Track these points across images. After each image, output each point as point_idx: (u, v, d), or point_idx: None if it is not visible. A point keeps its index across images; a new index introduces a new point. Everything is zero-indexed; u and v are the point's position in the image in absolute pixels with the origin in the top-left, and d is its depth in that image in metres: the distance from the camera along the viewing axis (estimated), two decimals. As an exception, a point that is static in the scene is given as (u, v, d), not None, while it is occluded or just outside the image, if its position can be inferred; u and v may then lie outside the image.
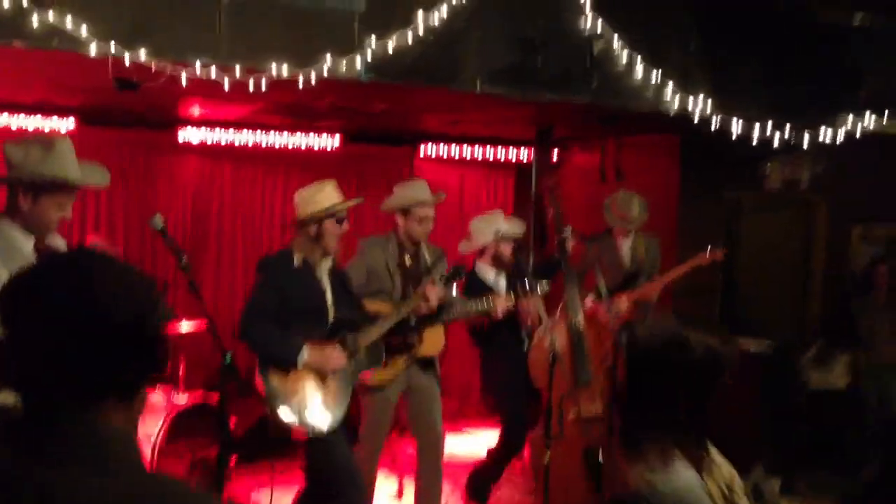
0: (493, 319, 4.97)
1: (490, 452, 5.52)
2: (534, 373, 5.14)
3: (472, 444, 7.10)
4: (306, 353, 3.87)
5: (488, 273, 5.32)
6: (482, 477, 5.44)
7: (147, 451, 5.11)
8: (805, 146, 6.09)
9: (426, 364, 4.74)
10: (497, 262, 5.31)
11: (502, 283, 5.33)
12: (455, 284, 4.73)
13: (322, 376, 3.94)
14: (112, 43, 4.01)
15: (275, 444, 5.92)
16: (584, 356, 5.22)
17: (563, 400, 5.01)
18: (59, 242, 3.33)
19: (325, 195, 4.06)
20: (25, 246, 3.10)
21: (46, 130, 6.07)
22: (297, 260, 4.01)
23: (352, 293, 4.30)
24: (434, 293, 4.27)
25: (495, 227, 5.32)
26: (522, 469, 5.85)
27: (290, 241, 4.17)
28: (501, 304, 4.82)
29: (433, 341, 4.69)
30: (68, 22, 3.94)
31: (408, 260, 4.71)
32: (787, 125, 5.86)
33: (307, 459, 4.20)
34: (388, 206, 4.79)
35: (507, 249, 5.30)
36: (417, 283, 4.71)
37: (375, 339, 4.11)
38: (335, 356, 3.93)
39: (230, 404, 3.44)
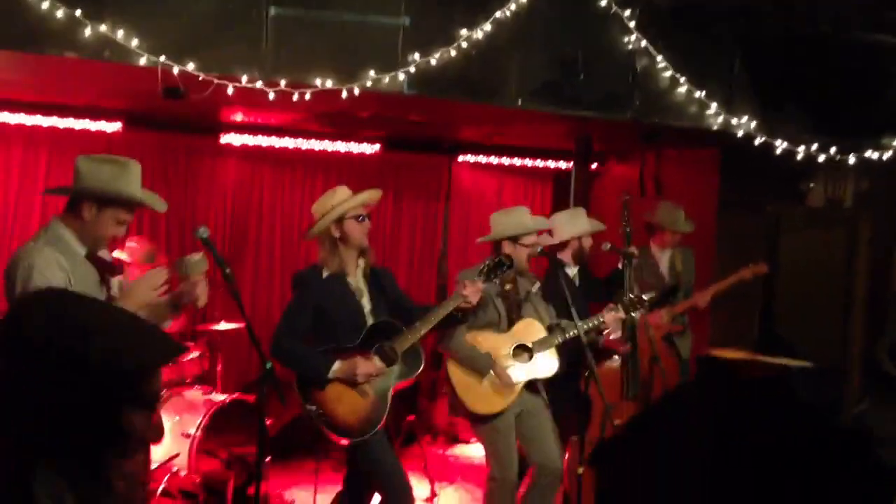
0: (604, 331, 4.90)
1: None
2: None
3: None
4: (336, 367, 3.90)
5: (569, 269, 5.32)
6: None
7: (185, 448, 5.21)
8: (850, 163, 6.03)
9: (533, 385, 4.64)
10: (577, 257, 5.31)
11: (577, 281, 5.32)
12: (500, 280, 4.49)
13: (357, 386, 3.97)
14: (161, 56, 4.09)
15: (309, 446, 6.04)
16: (637, 369, 5.22)
17: (608, 410, 4.99)
18: (106, 255, 3.43)
19: (337, 197, 4.05)
20: (80, 251, 3.23)
21: (93, 132, 6.19)
22: (325, 273, 4.03)
23: (394, 293, 4.23)
24: (473, 289, 4.12)
25: (579, 222, 5.33)
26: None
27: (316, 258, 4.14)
28: (612, 318, 4.68)
29: (547, 363, 4.59)
30: (120, 35, 4.03)
31: (508, 286, 4.60)
32: (833, 147, 5.81)
33: (349, 466, 4.26)
34: (496, 237, 4.62)
35: (587, 244, 5.32)
36: (519, 309, 4.63)
37: (412, 343, 4.06)
38: (364, 365, 3.93)
39: (267, 405, 3.50)
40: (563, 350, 4.84)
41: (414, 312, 4.18)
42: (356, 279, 4.10)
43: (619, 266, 5.32)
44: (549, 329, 4.66)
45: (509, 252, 4.49)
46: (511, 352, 4.55)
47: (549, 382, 5.30)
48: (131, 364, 1.34)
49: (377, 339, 4.03)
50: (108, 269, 3.34)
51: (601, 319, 4.66)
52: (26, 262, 3.08)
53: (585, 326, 4.52)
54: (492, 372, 4.47)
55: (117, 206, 3.23)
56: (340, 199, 4.03)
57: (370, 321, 4.06)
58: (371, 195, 4.13)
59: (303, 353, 3.94)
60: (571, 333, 4.53)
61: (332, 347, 3.97)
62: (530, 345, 4.56)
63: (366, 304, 4.09)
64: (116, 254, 3.57)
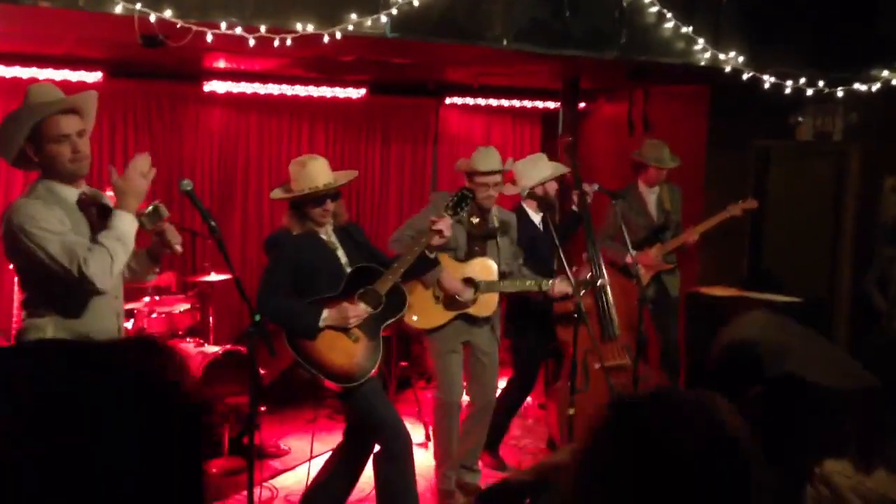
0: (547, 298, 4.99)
1: (499, 399, 5.62)
2: (560, 331, 5.23)
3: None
4: (325, 315, 3.93)
5: (534, 215, 5.36)
6: (494, 424, 5.57)
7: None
8: (838, 96, 5.99)
9: (482, 322, 4.83)
10: (542, 203, 5.32)
11: (541, 226, 5.36)
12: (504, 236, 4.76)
13: (347, 332, 4.01)
14: (137, 4, 4.00)
15: (303, 395, 6.09)
16: (608, 311, 5.30)
17: (587, 355, 5.08)
18: (100, 197, 3.37)
19: (307, 174, 3.99)
20: (71, 198, 3.17)
21: (74, 82, 6.10)
22: (296, 231, 4.04)
23: (367, 243, 4.31)
24: (444, 223, 4.16)
25: (541, 169, 5.33)
26: (546, 419, 5.94)
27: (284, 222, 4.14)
28: (560, 288, 4.77)
29: (486, 303, 4.78)
30: (94, -18, 3.94)
31: (474, 219, 4.74)
32: (821, 81, 5.77)
33: (347, 412, 4.32)
34: (457, 169, 4.89)
35: (551, 189, 5.35)
36: (483, 243, 4.80)
37: (393, 283, 4.10)
38: (353, 309, 3.97)
39: (258, 356, 3.51)
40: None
41: (388, 260, 4.24)
42: (327, 234, 4.13)
43: (574, 208, 5.38)
44: (502, 275, 4.80)
45: (469, 186, 4.65)
46: (461, 281, 4.71)
47: (515, 328, 5.42)
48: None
49: (359, 285, 4.07)
50: (101, 212, 3.27)
51: (548, 283, 4.81)
52: (20, 214, 3.01)
53: (529, 284, 4.82)
54: (434, 286, 4.65)
55: (40, 133, 3.07)
56: (310, 179, 3.98)
57: (347, 269, 4.09)
58: (337, 181, 4.08)
59: (290, 307, 3.95)
60: (511, 288, 4.83)
61: (317, 299, 3.98)
62: (478, 282, 4.71)
63: (341, 255, 4.12)
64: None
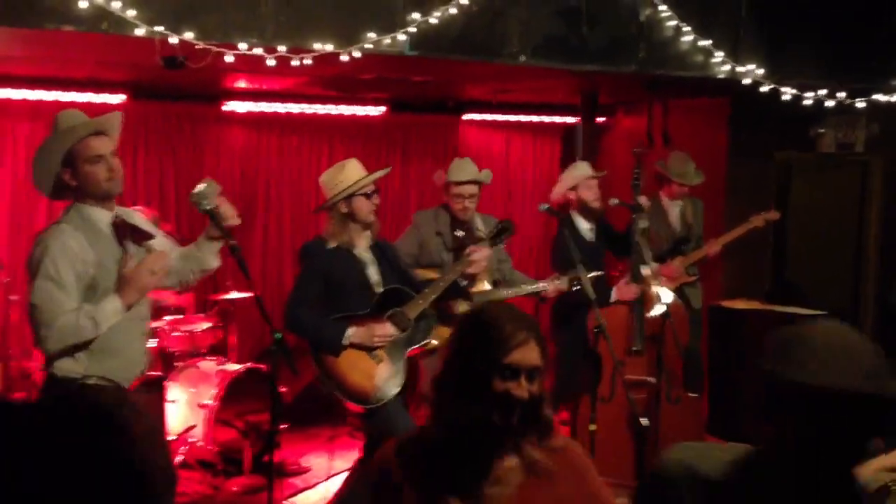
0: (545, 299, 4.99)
1: None
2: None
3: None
4: (351, 333, 3.92)
5: (582, 223, 5.34)
6: None
7: (201, 419, 5.26)
8: (859, 107, 5.95)
9: None
10: (585, 211, 5.30)
11: (592, 236, 5.35)
12: (503, 241, 4.68)
13: (371, 352, 3.99)
14: (159, 26, 4.05)
15: (324, 412, 6.08)
16: (642, 325, 5.25)
17: (617, 366, 5.03)
18: (139, 220, 3.42)
19: (347, 173, 4.04)
20: (104, 225, 3.22)
21: (97, 104, 6.17)
22: (330, 244, 4.05)
23: (400, 265, 4.30)
24: (480, 254, 4.25)
25: (577, 169, 5.36)
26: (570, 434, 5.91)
27: (323, 229, 4.16)
28: (554, 287, 4.79)
29: None
30: (116, 6, 3.98)
31: (458, 233, 4.74)
32: (841, 92, 5.73)
33: (367, 433, 4.29)
34: (438, 182, 4.90)
35: (587, 194, 5.29)
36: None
37: (424, 308, 4.11)
38: (380, 329, 3.97)
39: (279, 374, 3.53)
40: (569, 308, 4.92)
41: (419, 284, 4.24)
42: (361, 251, 4.12)
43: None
44: (494, 283, 4.79)
45: (445, 200, 4.76)
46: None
47: (558, 339, 5.37)
48: None
49: (388, 306, 4.05)
50: (135, 238, 3.31)
51: (542, 286, 4.80)
52: (43, 246, 3.07)
53: (527, 289, 4.81)
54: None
55: (74, 156, 3.14)
56: (350, 175, 4.03)
57: (378, 290, 4.08)
58: (381, 173, 4.17)
59: (317, 322, 3.95)
60: (508, 293, 4.79)
61: (345, 315, 3.98)
62: (472, 294, 4.67)
63: (372, 274, 4.12)
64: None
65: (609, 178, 5.50)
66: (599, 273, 4.79)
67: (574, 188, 5.32)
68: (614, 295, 5.17)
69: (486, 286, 4.77)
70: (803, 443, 1.54)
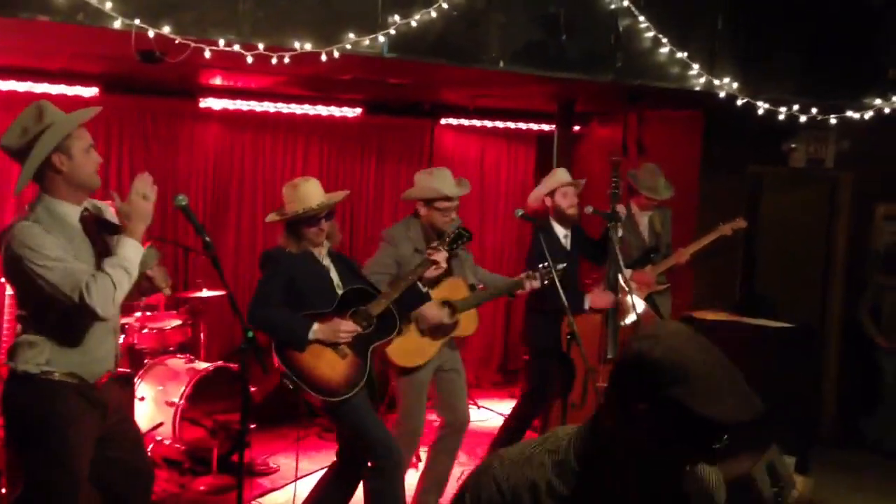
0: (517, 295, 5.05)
1: (508, 419, 5.66)
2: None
3: (485, 415, 7.19)
4: (316, 328, 3.96)
5: (558, 229, 5.36)
6: (505, 439, 5.58)
7: (169, 417, 5.22)
8: (831, 123, 6.04)
9: (453, 344, 4.80)
10: (560, 218, 5.31)
11: (568, 243, 5.38)
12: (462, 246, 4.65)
13: (336, 348, 4.02)
14: (136, 19, 4.01)
15: (293, 413, 6.06)
16: (616, 333, 5.29)
17: (590, 372, 5.06)
18: (107, 214, 3.39)
19: (301, 193, 4.09)
20: (74, 220, 3.19)
21: (70, 96, 6.10)
22: (294, 249, 4.09)
23: (359, 272, 4.35)
24: (440, 256, 4.31)
25: (556, 176, 5.38)
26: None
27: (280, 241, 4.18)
28: (530, 285, 4.79)
29: (469, 322, 4.74)
30: (93, -3, 3.94)
31: (435, 243, 4.70)
32: (814, 108, 5.82)
33: (339, 428, 4.29)
34: (411, 197, 4.74)
35: (563, 201, 5.31)
36: (448, 267, 4.73)
37: (386, 306, 4.15)
38: (344, 325, 4.01)
39: (249, 373, 3.51)
40: (542, 315, 4.95)
41: (378, 290, 4.26)
42: (322, 256, 4.18)
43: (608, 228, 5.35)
44: (472, 288, 4.79)
45: (424, 213, 4.65)
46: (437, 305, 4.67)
47: (531, 346, 5.39)
48: None
49: (352, 305, 4.11)
50: (105, 230, 3.28)
51: (520, 283, 4.82)
52: (19, 242, 3.02)
53: (502, 288, 4.86)
54: (416, 321, 4.55)
55: (74, 140, 3.14)
56: (304, 198, 4.07)
57: (339, 290, 4.14)
58: (331, 200, 4.16)
59: (281, 317, 3.98)
60: (487, 297, 4.85)
61: (309, 313, 4.02)
62: (454, 302, 4.67)
63: (334, 276, 4.18)
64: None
65: (583, 187, 5.53)
66: (564, 266, 4.77)
67: (551, 194, 5.34)
68: (588, 302, 5.20)
69: (466, 293, 4.75)
70: (652, 444, 1.58)
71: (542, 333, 5.22)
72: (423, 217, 4.66)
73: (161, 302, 5.97)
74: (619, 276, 5.17)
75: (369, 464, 4.04)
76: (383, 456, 4.01)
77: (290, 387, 3.96)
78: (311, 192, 4.10)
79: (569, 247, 5.40)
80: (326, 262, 4.19)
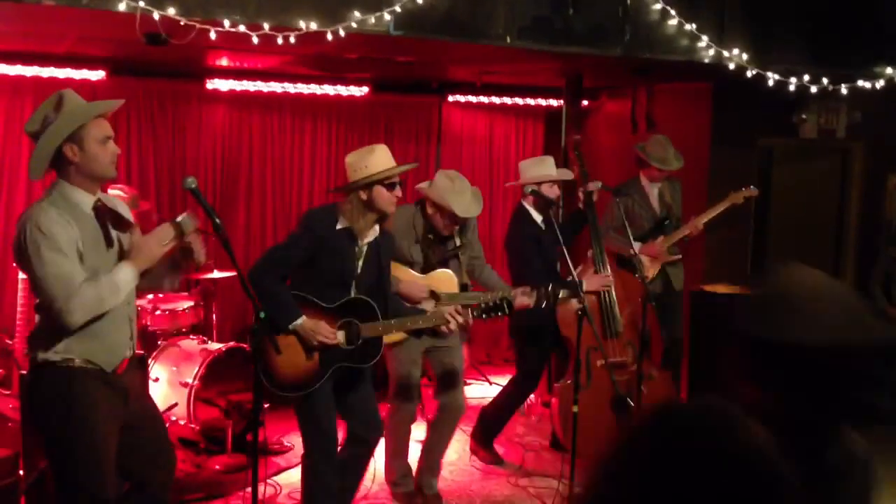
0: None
1: (499, 396, 5.67)
2: (563, 329, 5.24)
3: (497, 391, 7.20)
4: (301, 320, 3.82)
5: (536, 215, 5.35)
6: (490, 420, 5.62)
7: (183, 398, 5.25)
8: (842, 94, 5.99)
9: (442, 335, 4.65)
10: (539, 205, 5.31)
11: (544, 225, 5.35)
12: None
13: (307, 348, 3.88)
14: (141, 2, 4.00)
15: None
16: (612, 309, 5.30)
17: (590, 352, 5.10)
18: (119, 207, 3.39)
19: (374, 159, 3.89)
20: (87, 208, 3.19)
21: (77, 80, 6.11)
22: (341, 223, 3.90)
23: (384, 268, 4.11)
24: (458, 319, 4.01)
25: (542, 170, 5.34)
26: (550, 416, 5.95)
27: (337, 204, 3.97)
28: (521, 301, 4.59)
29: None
30: (97, -20, 3.94)
31: (432, 235, 4.69)
32: (825, 78, 5.76)
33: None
34: (426, 192, 4.69)
35: (549, 192, 5.29)
36: (442, 254, 4.74)
37: (378, 336, 3.97)
38: (325, 333, 3.85)
39: (262, 353, 3.49)
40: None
41: (390, 302, 4.08)
42: (363, 242, 3.97)
43: (580, 206, 5.37)
44: (463, 287, 4.74)
45: (430, 213, 4.63)
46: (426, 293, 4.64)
47: (522, 328, 5.38)
48: None
49: (350, 314, 3.94)
50: (116, 224, 3.29)
51: (511, 294, 4.63)
52: (33, 223, 3.03)
53: (490, 299, 4.52)
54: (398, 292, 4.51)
55: (84, 134, 3.14)
56: (377, 163, 3.88)
57: (353, 285, 3.97)
58: (408, 166, 4.08)
59: (278, 294, 3.82)
60: (474, 301, 4.52)
61: (304, 298, 3.87)
62: (440, 293, 4.62)
63: (357, 267, 3.97)
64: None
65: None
66: (564, 293, 4.69)
67: (537, 184, 5.32)
68: (584, 286, 5.19)
69: (455, 289, 4.71)
70: (795, 406, 1.50)
71: (531, 315, 5.22)
72: (429, 214, 4.67)
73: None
74: (589, 252, 5.28)
75: (307, 456, 4.02)
76: (321, 458, 3.97)
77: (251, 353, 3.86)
78: (387, 156, 3.95)
79: (544, 231, 5.35)
80: (364, 249, 3.96)
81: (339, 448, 4.10)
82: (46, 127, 3.13)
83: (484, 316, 4.07)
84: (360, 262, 3.97)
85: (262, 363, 3.79)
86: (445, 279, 4.72)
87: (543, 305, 4.52)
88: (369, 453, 4.22)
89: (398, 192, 3.93)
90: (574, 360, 4.73)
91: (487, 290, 4.82)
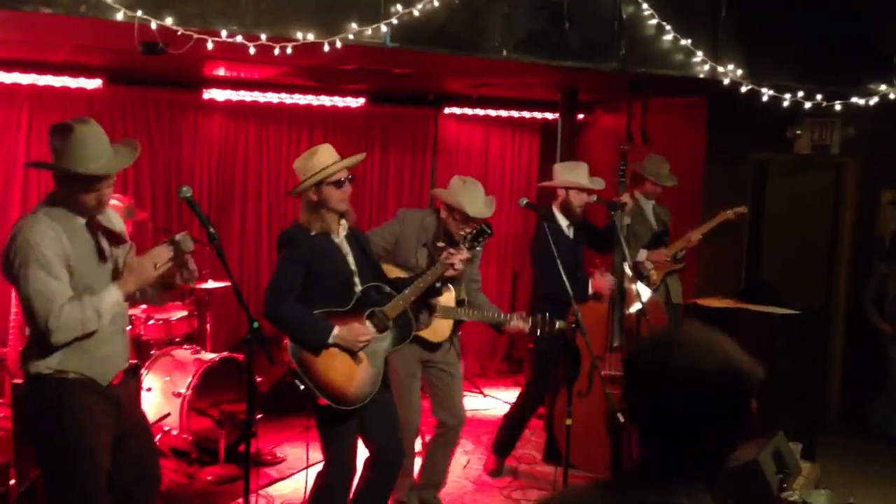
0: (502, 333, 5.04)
1: (513, 407, 5.71)
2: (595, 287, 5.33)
3: (491, 403, 7.21)
4: (336, 331, 3.80)
5: (562, 220, 5.37)
6: (507, 432, 5.63)
7: (175, 408, 5.24)
8: (836, 110, 6.02)
9: (436, 346, 4.73)
10: (565, 210, 5.32)
11: (571, 233, 5.39)
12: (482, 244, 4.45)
13: (353, 353, 3.87)
14: (138, 11, 4.01)
15: (300, 402, 6.07)
16: (622, 322, 5.30)
17: (595, 361, 5.06)
18: (113, 222, 3.38)
19: (317, 159, 3.87)
20: (80, 221, 3.19)
21: (74, 89, 6.12)
22: (312, 230, 3.89)
23: (372, 257, 4.17)
24: (459, 258, 4.11)
25: (577, 173, 5.37)
26: (544, 427, 5.97)
27: (297, 217, 4.00)
28: (516, 325, 4.71)
29: (439, 329, 4.67)
30: (95, -11, 3.95)
31: (440, 243, 4.62)
32: (818, 94, 5.79)
33: (317, 425, 4.06)
34: (441, 197, 4.70)
35: (576, 199, 5.33)
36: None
37: (403, 309, 4.00)
38: (363, 332, 3.85)
39: (255, 363, 3.48)
40: (547, 305, 4.91)
41: (390, 282, 4.12)
42: (340, 239, 3.99)
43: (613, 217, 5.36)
44: (459, 302, 4.74)
45: (444, 216, 4.63)
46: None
47: (538, 334, 5.36)
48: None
49: (367, 305, 3.95)
50: (110, 239, 3.29)
51: (505, 317, 4.74)
52: (23, 236, 3.03)
53: (489, 316, 4.75)
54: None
55: (81, 181, 3.13)
56: (320, 162, 3.87)
57: (356, 280, 3.97)
58: (351, 161, 3.98)
59: (301, 318, 3.81)
60: (468, 317, 4.72)
61: (326, 312, 3.86)
62: (437, 306, 4.59)
63: (351, 262, 3.97)
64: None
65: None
66: (562, 325, 4.70)
67: (567, 187, 5.36)
68: (591, 287, 5.25)
69: (451, 303, 4.69)
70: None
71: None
72: (442, 218, 4.66)
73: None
74: (625, 263, 5.18)
75: (320, 476, 3.97)
76: (334, 483, 3.92)
77: (301, 387, 3.79)
78: (328, 155, 3.91)
79: (572, 236, 5.41)
80: (345, 246, 3.98)
81: (355, 474, 4.03)
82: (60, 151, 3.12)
83: (468, 246, 4.18)
84: (351, 259, 3.98)
85: (318, 386, 3.78)
86: (443, 292, 4.67)
87: (539, 333, 4.58)
88: (391, 479, 4.14)
89: (347, 188, 3.91)
90: (566, 371, 4.74)
91: (478, 311, 4.81)
